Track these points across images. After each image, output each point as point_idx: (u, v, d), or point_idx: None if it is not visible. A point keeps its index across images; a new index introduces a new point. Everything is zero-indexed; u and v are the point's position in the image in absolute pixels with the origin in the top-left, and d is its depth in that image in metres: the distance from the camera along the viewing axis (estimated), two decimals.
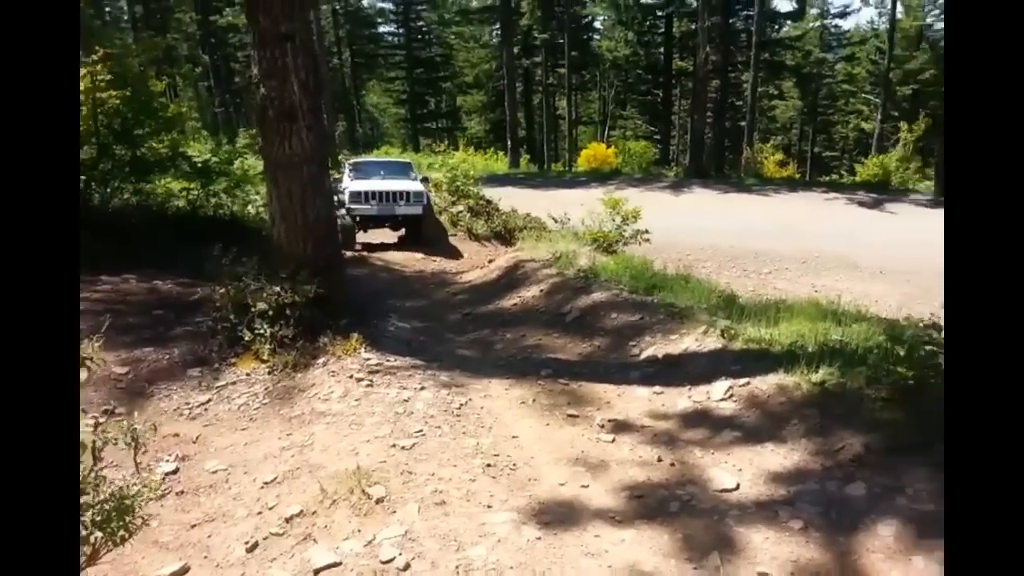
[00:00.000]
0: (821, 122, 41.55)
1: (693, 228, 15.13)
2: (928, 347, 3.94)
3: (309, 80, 5.55)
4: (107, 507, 1.78)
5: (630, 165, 27.62)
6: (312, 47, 5.71)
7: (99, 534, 1.76)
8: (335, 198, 11.16)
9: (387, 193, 12.32)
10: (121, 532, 1.83)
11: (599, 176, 25.56)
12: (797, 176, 30.80)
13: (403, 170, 14.20)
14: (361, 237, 12.89)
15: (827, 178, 31.57)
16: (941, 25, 36.82)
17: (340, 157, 17.54)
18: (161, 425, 4.33)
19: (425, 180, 14.17)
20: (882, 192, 21.82)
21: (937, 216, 17.82)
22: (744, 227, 15.84)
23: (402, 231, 13.64)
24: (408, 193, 12.45)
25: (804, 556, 2.82)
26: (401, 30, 41.22)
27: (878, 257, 12.90)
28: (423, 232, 12.88)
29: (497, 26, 35.93)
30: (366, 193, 12.28)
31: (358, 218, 12.38)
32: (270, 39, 5.38)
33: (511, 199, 15.97)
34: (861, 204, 19.82)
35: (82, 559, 1.63)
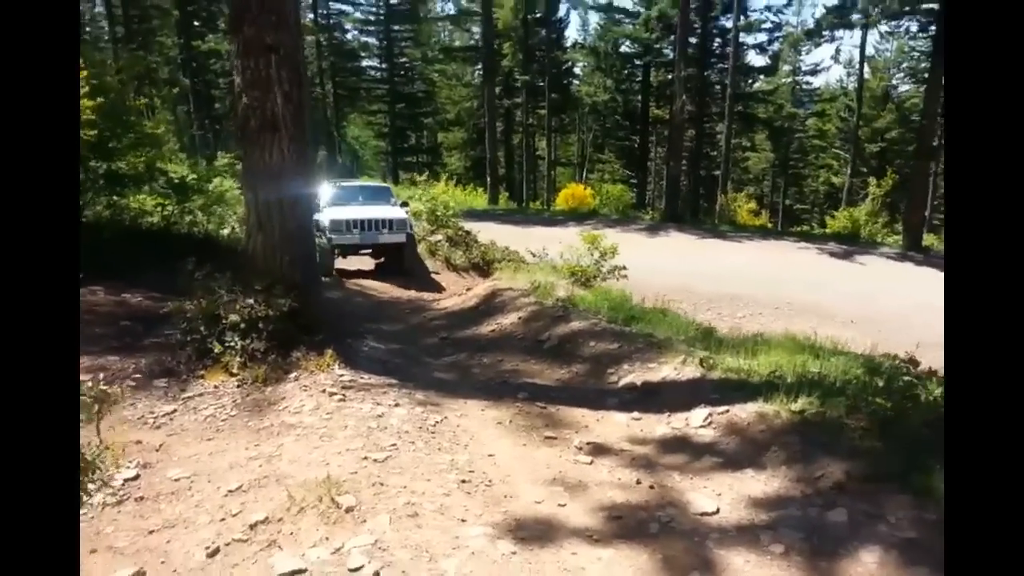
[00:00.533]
0: (792, 175, 42.66)
1: (668, 270, 15.25)
2: (906, 378, 3.95)
3: (293, 92, 5.52)
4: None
5: (607, 207, 27.97)
6: (297, 60, 5.70)
7: None
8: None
9: (370, 221, 12.00)
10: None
11: (577, 216, 25.81)
12: (770, 225, 31.46)
13: (382, 195, 13.93)
14: (338, 263, 12.62)
15: (799, 228, 32.26)
16: (906, 87, 38.40)
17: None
18: (124, 433, 4.15)
19: (405, 205, 13.81)
20: (852, 244, 22.30)
21: (906, 268, 18.32)
22: (718, 272, 16.01)
23: (382, 259, 13.34)
24: (391, 221, 12.19)
25: None
26: (384, 65, 41.60)
27: (849, 306, 13.10)
28: (405, 261, 12.57)
29: (479, 66, 36.54)
30: (348, 222, 11.92)
31: (336, 246, 12.06)
32: (254, 49, 5.36)
33: (490, 233, 16.00)
34: (832, 255, 20.22)
35: None
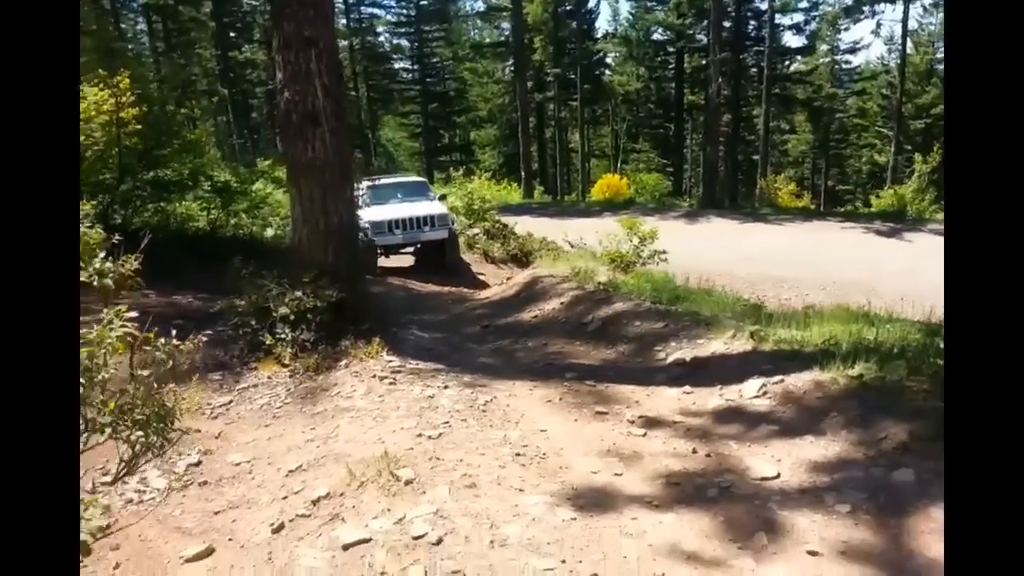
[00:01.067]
0: (834, 156, 41.62)
1: (708, 255, 14.99)
2: None
3: (332, 85, 5.59)
4: (147, 412, 1.72)
5: (644, 196, 27.70)
6: (335, 53, 5.77)
7: (139, 434, 1.69)
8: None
9: (412, 220, 11.84)
10: (160, 439, 1.77)
11: (613, 206, 25.60)
12: (812, 207, 30.75)
13: (421, 190, 13.69)
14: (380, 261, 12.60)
15: (842, 209, 31.47)
16: None
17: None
18: (182, 423, 4.27)
19: (443, 198, 13.65)
20: (898, 221, 21.64)
21: None
22: (761, 254, 15.70)
23: (419, 255, 13.25)
24: (433, 218, 12.01)
25: (855, 537, 2.68)
26: (416, 66, 41.95)
27: (899, 283, 12.70)
28: (447, 257, 12.38)
29: (510, 62, 36.52)
30: (390, 222, 11.75)
31: (379, 246, 11.87)
32: (294, 43, 5.45)
33: (526, 226, 15.97)
34: (878, 233, 19.64)
35: (120, 465, 1.55)
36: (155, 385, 1.83)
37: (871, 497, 2.94)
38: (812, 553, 2.59)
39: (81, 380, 1.64)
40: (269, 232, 11.82)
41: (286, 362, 5.36)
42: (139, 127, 9.11)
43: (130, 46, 38.56)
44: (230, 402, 4.82)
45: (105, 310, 1.77)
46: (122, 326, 1.72)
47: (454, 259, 12.50)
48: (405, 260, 13.69)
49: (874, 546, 2.63)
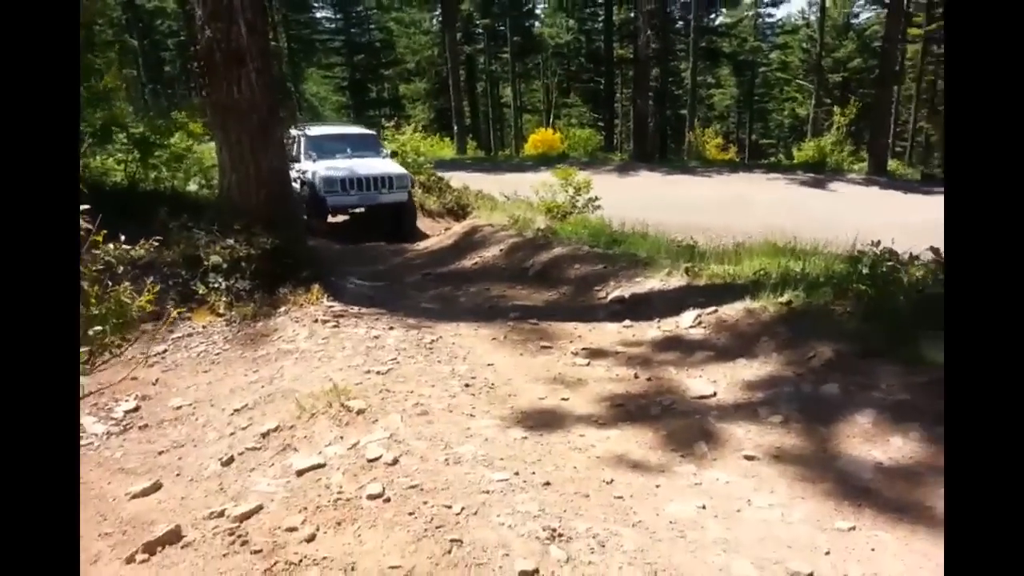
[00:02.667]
0: (758, 109, 42.72)
1: (642, 206, 15.19)
2: (888, 264, 4.06)
3: (257, 20, 5.36)
4: (104, 308, 1.67)
5: (577, 150, 27.79)
6: None
7: (97, 328, 1.65)
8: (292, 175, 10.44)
9: (369, 179, 10.40)
10: (118, 337, 1.73)
11: (546, 161, 25.59)
12: (737, 159, 31.60)
13: (370, 144, 12.17)
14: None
15: (766, 161, 32.47)
16: (867, 15, 38.35)
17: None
18: (116, 372, 4.13)
19: (394, 155, 12.46)
20: (819, 172, 22.52)
21: (872, 192, 18.61)
22: (691, 205, 16.09)
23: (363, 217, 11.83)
24: (391, 178, 10.63)
25: (787, 443, 2.87)
26: (339, 15, 40.35)
27: (821, 229, 13.29)
28: (404, 223, 10.99)
29: (438, 11, 35.59)
30: (345, 180, 10.29)
31: (330, 206, 10.53)
32: None
33: (461, 181, 15.83)
34: (802, 183, 20.41)
35: (82, 361, 1.51)
36: (108, 284, 1.77)
37: (801, 409, 3.14)
38: (749, 458, 2.76)
39: None
40: (192, 186, 11.31)
41: (221, 311, 5.22)
42: None
43: None
44: (165, 351, 4.68)
45: None
46: None
47: (412, 226, 11.13)
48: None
49: (804, 449, 2.82)
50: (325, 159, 10.85)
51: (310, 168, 10.66)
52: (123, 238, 1.91)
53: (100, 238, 1.76)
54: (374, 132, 14.10)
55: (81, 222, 1.72)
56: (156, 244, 1.99)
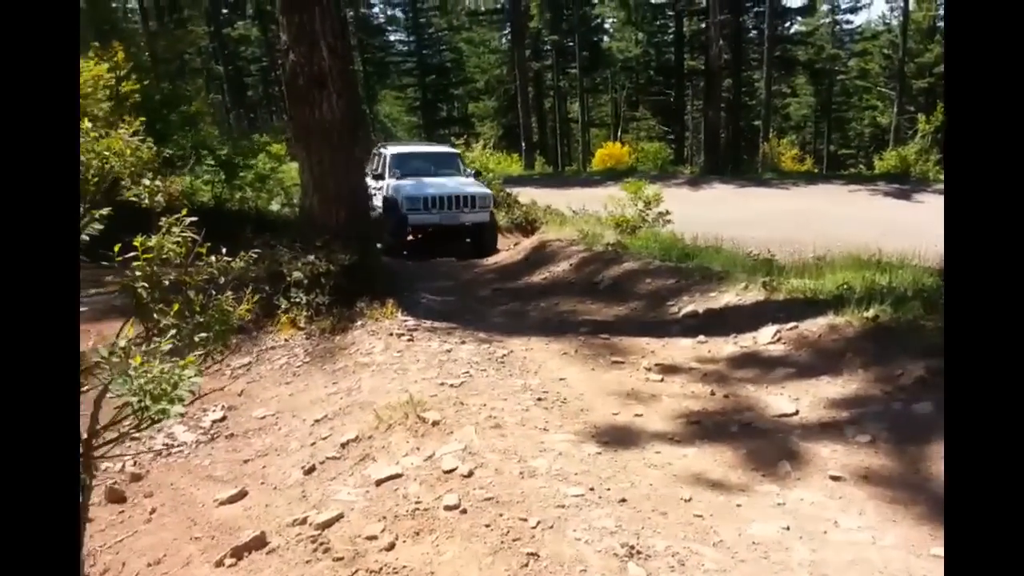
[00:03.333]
0: (836, 119, 41.22)
1: (714, 220, 14.87)
2: None
3: (338, 44, 5.57)
4: (209, 315, 1.77)
5: (646, 164, 27.52)
6: (338, 11, 5.73)
7: (203, 335, 1.75)
8: (371, 193, 10.04)
9: (451, 198, 10.13)
10: (221, 343, 1.83)
11: (614, 175, 25.45)
12: (815, 171, 30.59)
13: (452, 163, 11.99)
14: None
15: (846, 172, 31.30)
16: None
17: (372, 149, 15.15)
18: (204, 384, 4.34)
19: (478, 175, 12.16)
20: (903, 183, 21.55)
21: None
22: (767, 219, 15.65)
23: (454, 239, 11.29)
24: (474, 197, 10.33)
25: (876, 463, 2.75)
26: (412, 37, 41.45)
27: (910, 243, 12.71)
28: (485, 242, 10.65)
29: (507, 31, 36.08)
30: (427, 199, 10.07)
31: (412, 225, 10.33)
32: (297, 3, 5.41)
33: (529, 196, 15.92)
34: (885, 194, 19.57)
35: (193, 369, 1.59)
36: (212, 292, 1.88)
37: (890, 428, 3.00)
38: (835, 478, 2.65)
39: (144, 286, 1.68)
40: (275, 206, 11.81)
41: (301, 325, 5.41)
42: (139, 100, 9.06)
43: (122, 24, 38.19)
44: (249, 364, 4.88)
45: (163, 220, 1.80)
46: (181, 232, 1.76)
47: (493, 245, 10.66)
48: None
49: (894, 470, 2.69)
50: (409, 177, 10.70)
51: (393, 185, 10.52)
52: (224, 251, 2.01)
53: (204, 250, 1.87)
54: (457, 151, 13.90)
55: (188, 234, 1.81)
56: (255, 256, 2.09)
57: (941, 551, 2.18)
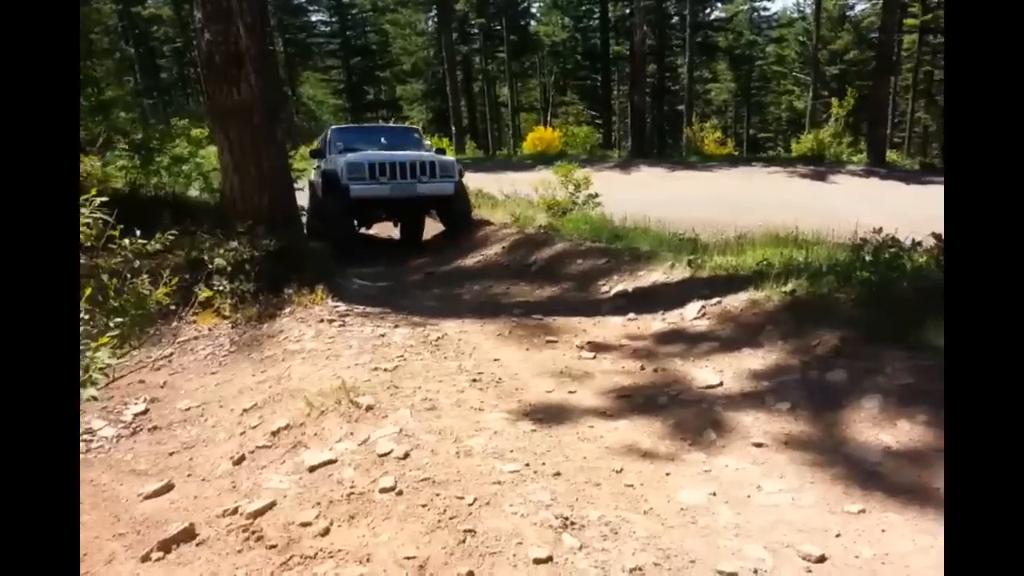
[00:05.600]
0: (755, 103, 42.68)
1: (642, 202, 15.16)
2: (891, 250, 4.08)
3: (255, 22, 5.37)
4: (123, 300, 1.69)
5: (575, 148, 27.77)
6: None
7: (118, 320, 1.67)
8: (314, 180, 9.55)
9: (403, 165, 8.35)
10: (138, 329, 1.75)
11: (545, 159, 25.56)
12: (736, 153, 31.57)
13: (410, 139, 10.19)
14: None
15: (765, 154, 32.45)
16: (862, 6, 38.33)
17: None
18: (122, 377, 4.15)
19: (441, 152, 10.36)
20: (818, 164, 22.50)
21: (871, 183, 18.59)
22: (692, 200, 16.05)
23: (408, 222, 9.92)
24: (434, 164, 8.57)
25: (795, 430, 2.88)
26: (335, 18, 40.40)
27: (823, 222, 13.27)
28: (455, 217, 9.04)
29: (433, 12, 35.63)
30: (372, 165, 8.25)
31: (356, 201, 8.44)
32: None
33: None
34: (802, 176, 20.38)
35: (107, 352, 1.52)
36: (127, 277, 1.79)
37: (808, 396, 3.15)
38: (757, 445, 2.77)
39: None
40: (194, 191, 11.34)
41: (226, 314, 5.24)
42: None
43: None
44: (171, 354, 4.70)
45: None
46: (91, 214, 1.66)
47: (465, 223, 9.07)
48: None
49: (813, 435, 2.83)
50: (354, 151, 8.97)
51: (332, 158, 8.94)
52: (138, 233, 1.92)
53: (117, 232, 1.78)
54: (416, 127, 12.07)
55: (99, 215, 1.73)
56: (172, 237, 2.01)
57: (854, 507, 2.32)
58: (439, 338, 4.37)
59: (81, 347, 1.50)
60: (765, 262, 4.80)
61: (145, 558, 2.30)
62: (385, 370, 3.64)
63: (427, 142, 10.41)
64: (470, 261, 7.70)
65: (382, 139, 9.81)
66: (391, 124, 12.76)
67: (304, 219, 8.37)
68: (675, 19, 34.91)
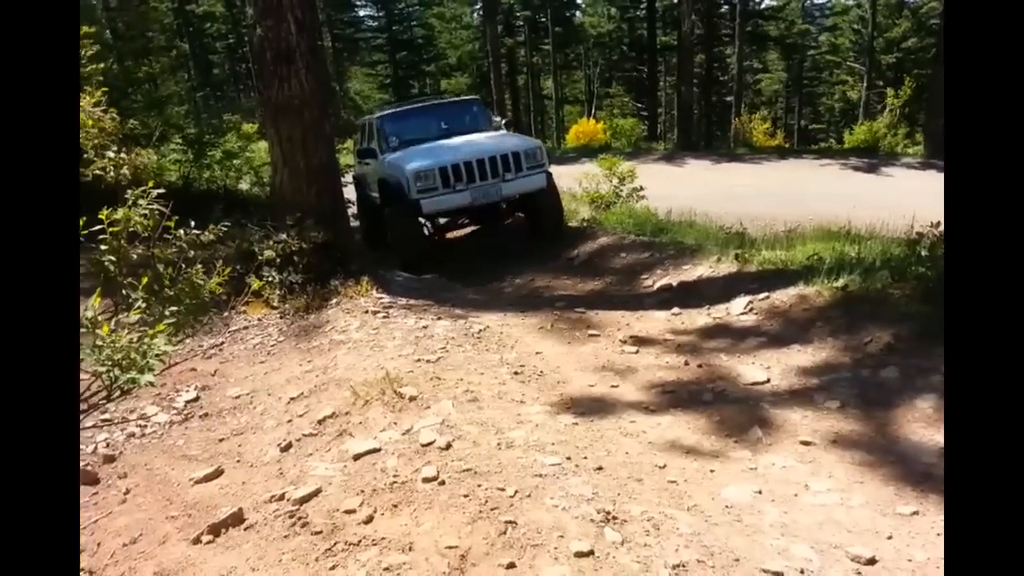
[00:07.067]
0: (806, 94, 41.53)
1: (687, 195, 14.91)
2: None
3: (305, 18, 5.45)
4: (179, 289, 1.75)
5: (620, 141, 27.49)
6: None
7: (173, 308, 1.72)
8: (364, 179, 8.47)
9: (483, 162, 6.70)
10: (193, 318, 1.80)
11: (588, 152, 25.39)
12: (786, 145, 30.84)
13: (473, 117, 8.32)
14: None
15: (817, 146, 31.62)
16: None
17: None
18: (175, 364, 4.28)
19: (509, 125, 8.82)
20: (872, 157, 21.80)
21: (929, 177, 17.94)
22: (739, 193, 15.70)
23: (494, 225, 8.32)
24: (518, 156, 6.86)
25: (845, 428, 2.81)
26: (381, 13, 40.77)
27: (879, 215, 12.89)
28: (545, 219, 7.43)
29: (478, 6, 35.66)
30: (445, 170, 6.60)
31: (430, 215, 7.06)
32: None
33: None
34: (855, 168, 19.73)
35: (163, 339, 1.56)
36: (182, 267, 1.84)
37: (859, 394, 3.06)
38: (805, 443, 2.71)
39: (111, 259, 1.65)
40: (244, 184, 11.62)
41: (275, 304, 5.37)
42: (100, 78, 8.82)
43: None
44: (222, 343, 4.83)
45: (128, 192, 1.77)
46: (148, 205, 1.72)
47: (556, 225, 7.54)
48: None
49: (863, 435, 2.75)
50: (410, 146, 7.32)
51: (390, 160, 7.18)
52: (192, 224, 1.97)
53: (172, 223, 1.84)
54: (477, 98, 10.06)
55: (156, 207, 1.78)
56: (224, 230, 2.06)
57: (906, 509, 2.25)
58: (481, 330, 4.39)
59: (138, 334, 1.54)
60: (816, 256, 4.67)
61: (196, 540, 2.37)
62: (428, 361, 3.67)
63: (496, 117, 8.69)
64: (513, 254, 7.69)
65: (442, 123, 7.94)
66: (445, 99, 10.54)
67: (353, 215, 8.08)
68: (724, 8, 34.10)
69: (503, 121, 8.54)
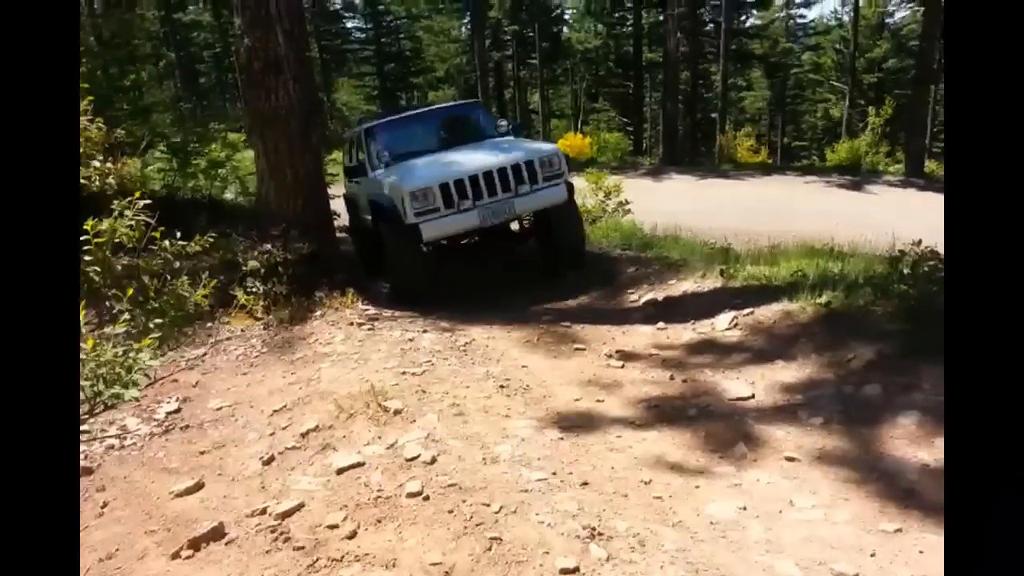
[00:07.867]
0: (790, 111, 42.11)
1: (673, 210, 15.04)
2: (930, 263, 3.98)
3: (294, 29, 5.46)
4: (164, 301, 1.72)
5: (606, 155, 27.67)
6: None
7: (158, 321, 1.70)
8: (355, 200, 7.42)
9: (491, 175, 5.70)
10: (177, 329, 1.78)
11: (575, 166, 25.42)
12: (770, 162, 31.18)
13: (477, 123, 7.32)
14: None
15: (800, 163, 32.01)
16: (902, 14, 37.64)
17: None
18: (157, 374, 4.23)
19: (518, 128, 7.87)
20: (854, 174, 22.11)
21: (910, 195, 18.20)
22: (724, 209, 15.87)
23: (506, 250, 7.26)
24: (531, 164, 5.81)
25: (829, 444, 2.83)
26: (370, 25, 40.91)
27: (861, 233, 13.05)
28: (564, 235, 6.29)
29: (467, 19, 35.89)
30: (447, 187, 5.59)
31: (433, 241, 5.92)
32: None
33: None
34: (838, 186, 20.01)
35: (149, 352, 1.54)
36: (167, 278, 1.82)
37: (842, 410, 3.08)
38: (790, 459, 2.72)
39: (95, 270, 1.63)
40: (230, 194, 11.55)
41: (259, 315, 5.32)
42: (87, 86, 8.74)
43: None
44: (204, 354, 4.78)
45: (114, 203, 1.75)
46: (134, 216, 1.70)
47: (577, 245, 6.42)
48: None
49: (847, 451, 2.77)
50: (407, 160, 6.26)
51: (382, 178, 6.21)
52: (178, 234, 1.96)
53: (158, 234, 1.82)
54: (477, 101, 8.53)
55: (142, 217, 1.76)
56: (211, 241, 2.04)
57: (890, 526, 2.26)
58: (467, 343, 4.38)
59: (123, 348, 1.52)
60: (799, 273, 4.72)
61: (175, 555, 2.33)
62: (413, 374, 3.65)
63: (501, 120, 7.68)
64: (499, 267, 7.69)
65: (441, 132, 7.03)
66: (442, 104, 9.08)
67: (342, 226, 7.67)
68: (710, 26, 34.58)
69: (510, 125, 7.42)
